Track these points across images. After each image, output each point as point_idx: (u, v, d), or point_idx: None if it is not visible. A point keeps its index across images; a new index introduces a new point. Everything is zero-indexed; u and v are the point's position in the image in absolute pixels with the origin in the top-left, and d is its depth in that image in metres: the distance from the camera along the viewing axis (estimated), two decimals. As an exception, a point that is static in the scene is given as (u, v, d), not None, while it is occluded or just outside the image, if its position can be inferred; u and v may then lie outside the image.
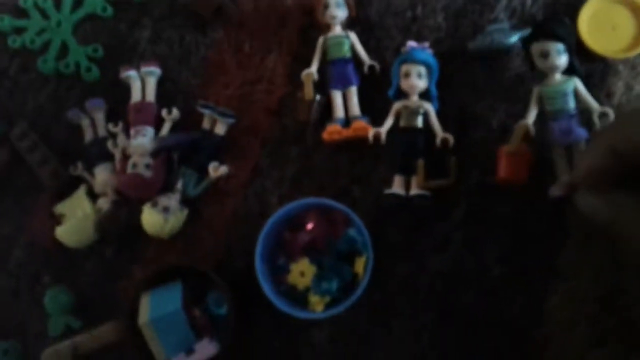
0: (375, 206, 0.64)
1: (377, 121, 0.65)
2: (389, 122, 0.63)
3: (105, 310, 0.67)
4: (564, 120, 0.58)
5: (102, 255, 0.68)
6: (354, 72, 0.66)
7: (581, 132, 0.57)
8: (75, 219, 0.65)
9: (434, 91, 0.63)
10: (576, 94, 0.58)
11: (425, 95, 0.64)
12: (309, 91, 0.65)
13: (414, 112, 0.63)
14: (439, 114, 0.64)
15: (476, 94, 0.65)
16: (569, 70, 0.59)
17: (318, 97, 0.65)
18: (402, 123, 0.63)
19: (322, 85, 0.67)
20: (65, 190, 0.69)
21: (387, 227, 0.63)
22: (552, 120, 0.59)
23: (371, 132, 0.63)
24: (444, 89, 0.65)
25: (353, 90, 0.65)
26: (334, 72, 0.66)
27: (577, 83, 0.59)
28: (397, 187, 0.62)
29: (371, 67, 0.66)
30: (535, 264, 0.60)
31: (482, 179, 0.63)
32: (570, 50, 0.58)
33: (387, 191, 0.62)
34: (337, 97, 0.66)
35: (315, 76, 0.66)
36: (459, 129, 0.64)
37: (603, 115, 0.58)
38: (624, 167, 0.37)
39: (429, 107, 0.63)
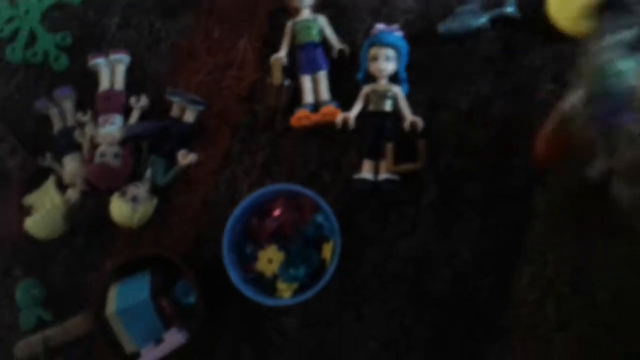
0: (345, 191, 0.64)
1: (348, 106, 0.64)
2: (357, 107, 0.63)
3: (76, 302, 0.67)
4: (612, 101, 0.49)
5: (73, 247, 0.68)
6: (323, 57, 0.65)
7: (630, 116, 0.49)
8: (44, 210, 0.65)
9: (403, 74, 0.63)
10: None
11: (394, 78, 0.63)
12: (277, 76, 0.65)
13: (382, 96, 0.62)
14: (408, 97, 0.64)
15: (446, 77, 0.64)
16: None
17: (287, 82, 0.65)
18: (370, 107, 0.63)
19: (293, 70, 0.67)
20: (35, 181, 0.69)
21: (357, 213, 0.63)
22: (599, 100, 0.50)
23: (339, 116, 0.62)
24: (414, 72, 0.65)
25: (322, 75, 0.65)
26: (303, 57, 0.65)
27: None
28: (366, 171, 0.62)
29: (341, 51, 0.66)
30: (503, 247, 0.60)
31: (451, 162, 0.62)
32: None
33: (356, 176, 0.62)
34: (306, 81, 0.65)
35: (284, 61, 0.66)
36: (429, 113, 0.64)
37: None
38: None
39: (398, 91, 0.62)
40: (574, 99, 0.50)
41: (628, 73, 0.47)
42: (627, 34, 0.47)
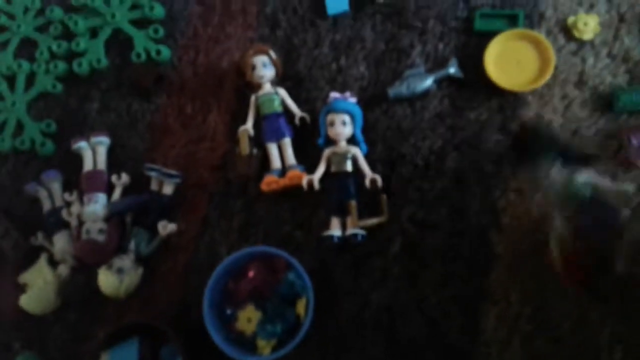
0: (317, 248, 0.68)
1: (312, 168, 0.69)
2: (320, 169, 0.68)
3: (72, 372, 0.70)
4: (588, 214, 0.55)
5: (66, 320, 0.72)
6: (286, 125, 0.71)
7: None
8: (37, 287, 0.69)
9: (359, 136, 0.68)
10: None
11: (352, 140, 0.68)
12: (244, 146, 0.70)
13: (342, 157, 0.67)
14: (367, 156, 0.69)
15: (400, 135, 0.69)
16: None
17: (255, 150, 0.70)
18: (333, 168, 0.67)
19: (260, 140, 0.72)
20: (28, 259, 0.73)
21: (330, 268, 0.67)
22: (579, 215, 0.56)
23: (305, 179, 0.67)
24: (370, 133, 0.70)
25: (287, 142, 0.70)
26: (267, 127, 0.70)
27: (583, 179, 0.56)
28: (334, 228, 0.66)
29: (302, 119, 0.71)
30: (468, 290, 0.64)
31: (413, 213, 0.67)
32: (559, 150, 0.59)
33: (325, 233, 0.66)
34: (272, 149, 0.70)
35: (251, 132, 0.71)
36: (388, 169, 0.69)
37: (620, 195, 0.57)
38: None
39: (357, 151, 0.67)
40: (560, 225, 0.56)
41: (588, 181, 0.54)
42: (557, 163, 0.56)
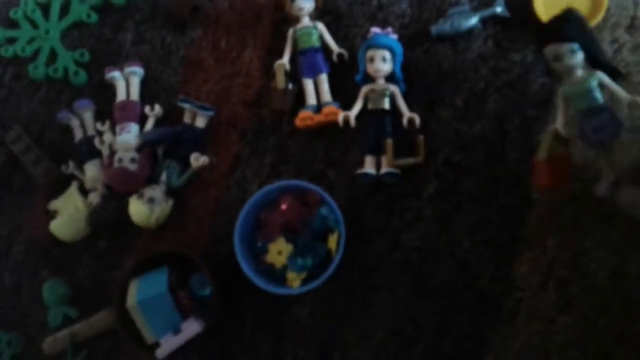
0: (350, 187, 0.67)
1: (348, 106, 0.68)
2: (357, 106, 0.66)
3: (100, 300, 0.70)
4: (595, 118, 0.53)
5: (96, 248, 0.72)
6: (324, 61, 0.69)
7: (615, 127, 0.53)
8: (68, 213, 0.69)
9: (399, 74, 0.66)
10: (602, 87, 0.54)
11: (391, 78, 0.67)
12: (280, 81, 0.68)
13: (380, 95, 0.66)
14: (405, 96, 0.67)
15: (441, 76, 0.68)
16: (593, 63, 0.55)
17: (290, 86, 0.69)
18: (370, 106, 0.66)
19: (296, 75, 0.71)
20: (59, 188, 0.73)
21: (362, 207, 0.66)
22: (582, 119, 0.54)
23: (341, 115, 0.66)
24: (410, 72, 0.68)
25: (323, 78, 0.69)
26: (304, 62, 0.69)
27: (600, 76, 0.54)
28: (368, 166, 0.65)
29: (340, 55, 0.69)
30: (502, 235, 0.62)
31: (449, 156, 0.65)
32: (586, 45, 0.55)
33: (359, 171, 0.65)
34: (308, 85, 0.69)
35: (287, 66, 0.69)
36: (426, 110, 0.67)
37: (634, 104, 0.53)
38: None
39: (395, 89, 0.66)
40: (560, 120, 0.56)
41: (606, 84, 0.54)
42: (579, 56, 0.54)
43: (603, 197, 0.54)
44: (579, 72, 0.54)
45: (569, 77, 0.55)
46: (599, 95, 0.53)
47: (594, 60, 0.55)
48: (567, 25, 0.54)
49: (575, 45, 0.54)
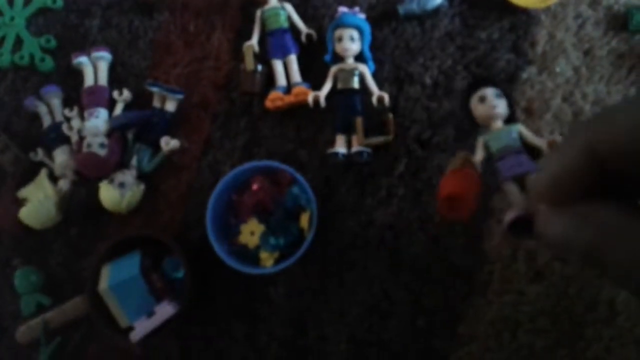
0: (322, 167, 0.67)
1: (318, 86, 0.68)
2: (327, 86, 0.66)
3: (73, 287, 0.70)
4: (511, 157, 0.54)
5: (67, 235, 0.71)
6: (292, 41, 0.69)
7: (531, 165, 0.53)
8: (37, 200, 0.68)
9: (367, 53, 0.66)
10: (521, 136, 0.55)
11: (360, 57, 0.67)
12: (249, 62, 0.68)
13: (350, 74, 0.66)
14: (375, 75, 0.67)
15: (409, 54, 0.68)
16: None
17: (260, 67, 0.68)
18: (339, 85, 0.66)
19: (265, 57, 0.70)
20: (28, 175, 0.72)
21: (335, 186, 0.67)
22: (499, 160, 0.54)
23: (310, 95, 0.66)
24: (379, 51, 0.68)
25: (292, 59, 0.69)
26: (273, 42, 0.69)
27: (520, 128, 0.56)
28: (339, 146, 0.65)
29: (308, 36, 0.69)
30: (472, 208, 0.63)
31: (419, 134, 0.66)
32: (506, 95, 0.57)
33: (330, 150, 0.65)
34: (277, 65, 0.69)
35: (256, 48, 0.69)
36: (395, 88, 0.67)
37: (553, 144, 0.55)
38: (602, 175, 0.27)
39: (364, 68, 0.66)
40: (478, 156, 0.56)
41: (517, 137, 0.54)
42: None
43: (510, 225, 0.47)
44: (499, 123, 0.56)
45: (491, 125, 0.56)
46: (516, 143, 0.55)
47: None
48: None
49: (498, 92, 0.57)
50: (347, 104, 0.66)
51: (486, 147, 0.56)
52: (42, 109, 0.73)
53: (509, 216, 0.43)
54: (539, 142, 0.55)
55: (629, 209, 0.26)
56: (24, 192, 0.70)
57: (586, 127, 0.27)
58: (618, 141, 0.25)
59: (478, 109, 0.56)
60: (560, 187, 0.28)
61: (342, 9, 0.66)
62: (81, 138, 0.70)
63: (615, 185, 0.26)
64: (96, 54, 0.72)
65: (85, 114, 0.71)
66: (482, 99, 0.56)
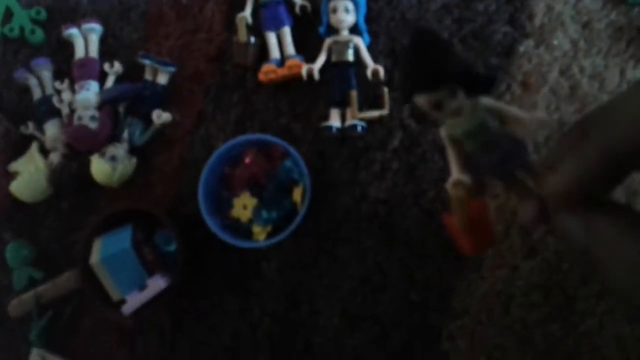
0: (316, 141, 0.66)
1: (312, 59, 0.67)
2: (321, 58, 0.65)
3: (65, 261, 0.70)
4: (495, 150, 0.37)
5: (59, 209, 0.71)
6: (286, 13, 0.68)
7: (521, 151, 0.38)
8: (28, 174, 0.68)
9: (362, 25, 0.65)
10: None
11: (355, 29, 0.66)
12: (242, 34, 0.67)
13: (344, 46, 0.65)
14: (370, 47, 0.66)
15: (405, 26, 0.67)
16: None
17: (253, 39, 0.67)
18: (333, 58, 0.65)
19: (259, 30, 0.69)
20: (19, 149, 0.71)
21: (329, 161, 0.66)
22: (481, 157, 0.38)
23: (304, 68, 0.65)
24: (375, 24, 0.67)
25: (286, 31, 0.67)
26: (266, 14, 0.68)
27: (486, 103, 0.37)
28: (333, 119, 0.65)
29: (302, 7, 0.68)
30: (467, 183, 0.62)
31: (414, 108, 0.65)
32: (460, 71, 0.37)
33: (324, 124, 0.64)
34: (271, 38, 0.68)
35: (249, 19, 0.68)
36: (391, 62, 0.66)
37: (542, 122, 0.39)
38: (621, 175, 0.28)
39: (359, 41, 0.65)
40: (456, 167, 0.39)
41: (494, 108, 0.37)
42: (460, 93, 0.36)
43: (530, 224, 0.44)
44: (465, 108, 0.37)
45: (454, 118, 0.38)
46: (492, 125, 0.38)
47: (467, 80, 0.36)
48: (436, 58, 0.35)
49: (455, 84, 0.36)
50: (342, 77, 0.65)
51: (456, 143, 0.39)
52: (33, 82, 0.72)
53: (529, 215, 0.37)
54: (519, 114, 0.37)
55: (629, 221, 0.28)
56: (14, 166, 0.70)
57: (602, 131, 0.28)
58: (636, 142, 0.26)
59: (433, 115, 0.37)
60: (580, 191, 0.30)
61: (337, -20, 0.65)
62: (72, 111, 0.69)
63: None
64: (87, 25, 0.71)
65: (76, 86, 0.70)
66: (438, 107, 0.36)
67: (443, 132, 0.39)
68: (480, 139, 0.37)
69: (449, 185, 0.38)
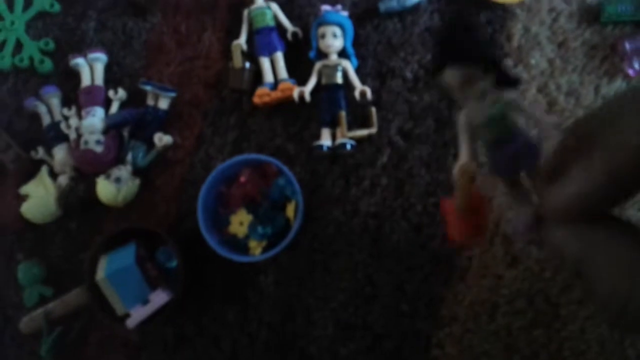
0: (308, 160, 0.70)
1: (304, 82, 0.71)
2: (312, 81, 0.69)
3: (73, 278, 0.73)
4: (508, 146, 0.37)
5: (67, 229, 0.75)
6: (279, 39, 0.72)
7: (534, 151, 0.37)
8: (38, 196, 0.71)
9: (350, 49, 0.69)
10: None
11: (343, 53, 0.70)
12: (237, 60, 0.71)
13: (333, 70, 0.69)
14: (358, 70, 0.70)
15: (391, 49, 0.71)
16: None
17: (247, 64, 0.71)
18: (323, 81, 0.69)
19: (253, 55, 0.73)
20: (29, 173, 0.75)
21: (321, 178, 0.69)
22: (494, 150, 0.38)
23: (295, 91, 0.69)
24: (362, 47, 0.71)
25: (279, 56, 0.71)
26: (260, 40, 0.72)
27: (512, 99, 0.37)
28: (324, 138, 0.68)
29: (294, 34, 0.72)
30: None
31: (401, 126, 0.68)
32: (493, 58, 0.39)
33: (315, 143, 0.68)
34: (265, 63, 0.72)
35: (244, 46, 0.72)
36: (378, 83, 0.70)
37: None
38: (622, 190, 0.28)
39: (347, 64, 0.69)
40: (465, 153, 0.38)
41: (517, 104, 0.37)
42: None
43: (517, 236, 0.46)
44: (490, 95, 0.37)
45: (477, 102, 0.37)
46: (510, 120, 0.37)
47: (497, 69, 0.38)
48: (470, 36, 0.36)
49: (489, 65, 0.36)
50: (331, 98, 0.68)
51: (473, 131, 0.38)
52: (42, 109, 0.76)
53: (519, 229, 0.38)
54: (544, 118, 0.36)
55: (623, 234, 0.29)
56: (25, 189, 0.73)
57: (595, 146, 0.29)
58: (637, 163, 0.27)
59: (462, 92, 0.36)
60: (580, 209, 0.30)
61: (325, 7, 0.69)
62: (79, 136, 0.73)
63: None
64: (92, 55, 0.76)
65: (83, 112, 0.74)
66: (470, 82, 0.35)
67: (461, 118, 0.38)
68: (495, 131, 0.37)
69: (456, 169, 0.38)
